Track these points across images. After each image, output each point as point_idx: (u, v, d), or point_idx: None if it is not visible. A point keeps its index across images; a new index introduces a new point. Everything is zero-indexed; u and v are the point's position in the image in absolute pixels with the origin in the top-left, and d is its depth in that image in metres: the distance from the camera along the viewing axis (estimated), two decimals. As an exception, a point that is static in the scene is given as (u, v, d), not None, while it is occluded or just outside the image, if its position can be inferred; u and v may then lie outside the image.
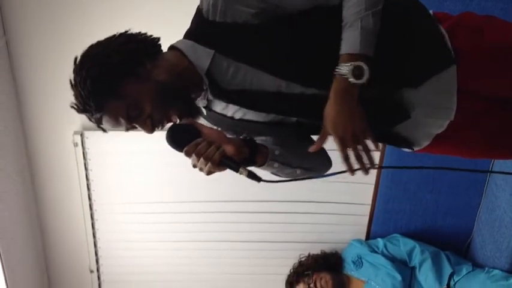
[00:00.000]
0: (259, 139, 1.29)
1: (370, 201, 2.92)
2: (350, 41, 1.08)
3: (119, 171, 2.86)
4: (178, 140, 1.17)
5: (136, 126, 1.19)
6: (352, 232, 3.03)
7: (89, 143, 2.75)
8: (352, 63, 1.07)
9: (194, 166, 1.16)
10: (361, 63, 1.06)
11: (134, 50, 1.15)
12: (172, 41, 1.26)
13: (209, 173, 1.15)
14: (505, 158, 2.19)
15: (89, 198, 2.93)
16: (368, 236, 3.02)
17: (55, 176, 2.89)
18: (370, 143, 1.15)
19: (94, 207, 2.97)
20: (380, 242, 2.87)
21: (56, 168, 2.87)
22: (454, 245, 2.86)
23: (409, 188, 2.81)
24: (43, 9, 2.47)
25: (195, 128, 1.18)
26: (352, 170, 1.15)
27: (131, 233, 3.08)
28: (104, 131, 1.22)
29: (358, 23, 1.08)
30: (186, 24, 1.26)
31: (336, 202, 2.94)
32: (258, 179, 1.17)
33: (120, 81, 1.13)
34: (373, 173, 2.81)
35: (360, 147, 1.13)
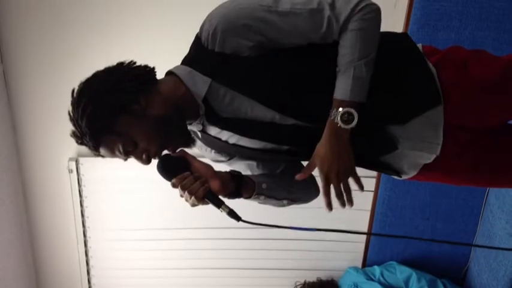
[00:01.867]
0: (247, 164, 1.34)
1: (366, 228, 2.91)
2: (342, 87, 1.13)
3: (114, 198, 2.85)
4: (168, 171, 1.21)
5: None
6: (348, 259, 3.01)
7: (84, 169, 2.74)
8: (343, 109, 1.12)
9: (181, 196, 1.20)
10: (351, 110, 1.12)
11: (129, 87, 1.17)
12: (169, 67, 1.28)
13: (193, 205, 1.19)
14: (493, 186, 2.21)
15: (83, 225, 2.91)
16: (364, 264, 3.00)
17: (49, 202, 2.88)
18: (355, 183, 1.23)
19: (88, 234, 2.95)
20: (376, 269, 2.85)
21: (50, 195, 2.86)
22: (451, 273, 2.85)
23: (405, 214, 2.80)
24: (40, 37, 2.49)
25: (185, 161, 1.22)
26: (329, 205, 1.21)
27: (125, 261, 3.05)
28: (103, 157, 1.25)
29: (351, 71, 1.12)
30: (184, 50, 1.28)
31: (333, 229, 2.92)
32: (237, 218, 1.19)
33: (115, 120, 1.16)
34: (369, 199, 2.81)
35: (342, 186, 1.19)
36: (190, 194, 1.16)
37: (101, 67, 1.23)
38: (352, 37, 1.13)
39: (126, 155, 1.20)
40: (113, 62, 1.24)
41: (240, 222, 1.18)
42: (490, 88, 1.21)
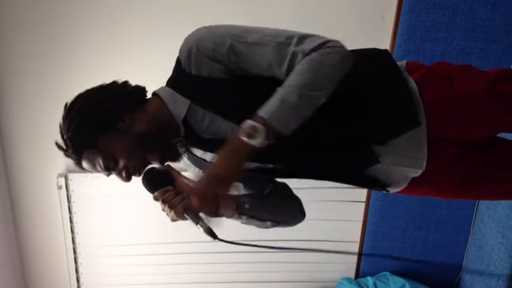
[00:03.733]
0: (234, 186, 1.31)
1: (358, 239, 2.91)
2: (266, 105, 1.06)
3: (104, 214, 2.83)
4: (151, 184, 1.22)
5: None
6: (341, 271, 3.00)
7: (73, 185, 2.72)
8: (252, 123, 1.04)
9: (162, 210, 1.20)
10: (260, 126, 1.03)
11: (116, 105, 1.20)
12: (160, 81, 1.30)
13: (173, 220, 1.19)
14: (483, 199, 2.22)
15: (73, 242, 2.88)
16: (357, 275, 2.99)
17: (39, 218, 2.85)
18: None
19: (78, 251, 2.92)
20: (369, 280, 2.85)
21: (39, 211, 2.83)
22: (444, 283, 2.85)
23: (397, 225, 2.80)
24: (29, 52, 2.49)
25: (169, 175, 1.23)
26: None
27: (116, 276, 3.01)
28: (88, 170, 1.26)
29: (283, 94, 1.06)
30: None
31: (325, 240, 2.92)
32: (214, 236, 1.19)
33: (97, 135, 1.18)
34: (361, 210, 2.81)
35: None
36: (170, 208, 1.17)
37: (91, 84, 1.25)
38: (303, 64, 1.09)
39: (107, 170, 1.22)
40: (103, 78, 1.26)
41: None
42: (475, 102, 1.21)
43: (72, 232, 2.85)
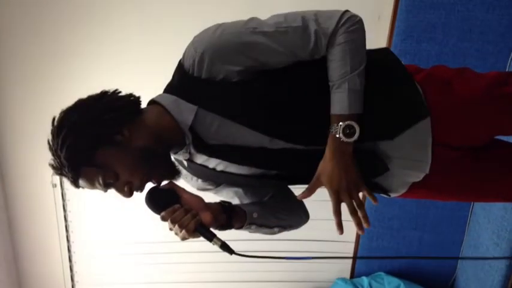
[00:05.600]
0: (234, 192, 1.32)
1: (354, 239, 2.91)
2: (339, 102, 1.12)
3: (98, 212, 2.82)
4: (156, 204, 1.17)
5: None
6: (336, 271, 3.00)
7: (68, 183, 2.68)
8: (343, 123, 1.11)
9: (170, 229, 1.16)
10: (352, 123, 1.11)
11: (112, 118, 1.12)
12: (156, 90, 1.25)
13: (183, 239, 1.15)
14: (480, 201, 2.23)
15: (67, 240, 2.88)
16: (352, 275, 3.00)
17: (33, 217, 2.84)
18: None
19: (72, 249, 2.92)
20: (365, 280, 2.85)
21: (33, 209, 2.82)
22: (439, 283, 2.85)
23: (392, 225, 2.81)
24: (27, 51, 2.48)
25: (174, 192, 1.18)
26: (340, 226, 1.16)
27: (111, 275, 3.01)
28: (83, 188, 1.19)
29: (346, 85, 1.11)
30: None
31: (320, 240, 2.92)
32: (230, 251, 1.17)
33: (95, 151, 1.11)
34: (356, 210, 2.81)
35: (354, 202, 1.15)
36: (181, 227, 1.12)
37: (84, 89, 1.18)
38: (341, 50, 1.12)
39: (107, 187, 1.15)
40: (100, 80, 1.23)
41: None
42: (474, 106, 1.21)
43: (67, 230, 2.84)
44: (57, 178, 2.68)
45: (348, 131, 1.11)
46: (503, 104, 1.22)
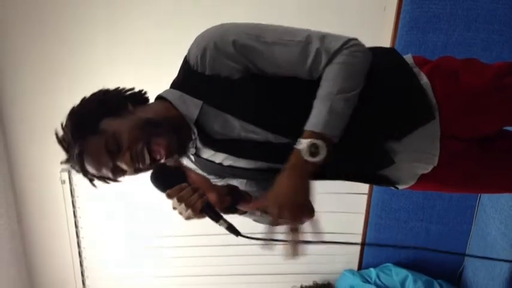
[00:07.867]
0: (239, 183, 1.30)
1: (361, 231, 2.91)
2: (315, 118, 1.08)
3: (107, 208, 2.83)
4: (162, 181, 1.14)
5: (120, 167, 1.15)
6: (344, 262, 3.01)
7: (77, 180, 2.72)
8: (311, 140, 1.05)
9: (174, 209, 1.14)
10: (319, 142, 1.05)
11: (120, 96, 1.18)
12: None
13: (188, 218, 1.13)
14: (486, 192, 2.22)
15: (77, 236, 2.89)
16: (360, 266, 3.00)
17: (42, 214, 2.86)
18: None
19: (82, 245, 2.93)
20: (372, 272, 2.85)
21: (43, 206, 2.83)
22: (447, 274, 2.85)
23: (399, 216, 2.81)
24: (35, 48, 2.49)
25: (182, 172, 1.16)
26: (270, 242, 1.11)
27: (120, 270, 3.03)
28: (94, 186, 1.21)
29: (328, 103, 1.07)
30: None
31: (328, 232, 2.92)
32: (236, 233, 1.14)
33: (101, 120, 1.13)
34: (364, 202, 2.81)
35: (293, 225, 1.08)
36: (187, 206, 1.10)
37: (93, 87, 1.22)
38: (336, 70, 1.10)
39: (111, 157, 1.12)
40: (105, 84, 1.23)
41: (231, 235, 1.14)
42: (481, 97, 1.21)
43: (76, 226, 2.86)
44: (66, 175, 2.70)
45: (314, 150, 1.05)
46: (511, 94, 1.22)
